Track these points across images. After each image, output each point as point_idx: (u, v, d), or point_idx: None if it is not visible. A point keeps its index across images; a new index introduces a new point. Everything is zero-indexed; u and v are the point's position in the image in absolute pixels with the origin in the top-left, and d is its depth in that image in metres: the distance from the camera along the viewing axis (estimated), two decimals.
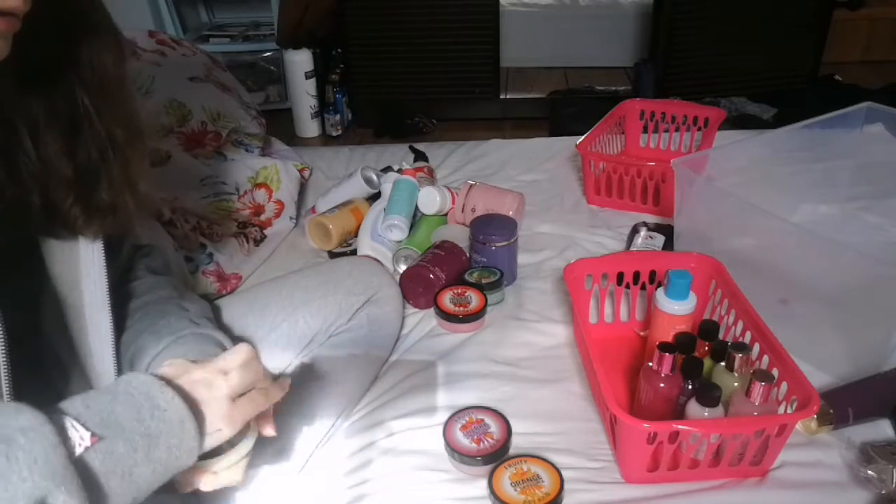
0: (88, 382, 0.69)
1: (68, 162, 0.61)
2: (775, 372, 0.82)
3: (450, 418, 0.87)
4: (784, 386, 0.81)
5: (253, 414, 0.59)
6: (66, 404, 0.50)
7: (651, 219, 1.35)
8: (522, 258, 1.24)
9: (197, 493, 0.75)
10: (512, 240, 1.18)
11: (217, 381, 0.57)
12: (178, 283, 0.81)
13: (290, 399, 0.86)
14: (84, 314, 0.66)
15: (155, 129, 1.31)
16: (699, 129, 1.56)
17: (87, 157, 0.62)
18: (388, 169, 1.48)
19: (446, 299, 1.10)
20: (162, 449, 0.51)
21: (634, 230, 1.29)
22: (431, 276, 1.13)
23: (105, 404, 0.50)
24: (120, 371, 0.69)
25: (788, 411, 0.79)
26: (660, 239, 1.24)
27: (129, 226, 0.73)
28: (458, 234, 1.25)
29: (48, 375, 0.67)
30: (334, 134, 2.26)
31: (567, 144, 1.66)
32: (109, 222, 0.66)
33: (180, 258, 1.16)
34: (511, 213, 1.29)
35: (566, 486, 0.77)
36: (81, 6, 0.59)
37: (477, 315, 1.08)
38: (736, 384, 0.82)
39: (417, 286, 1.14)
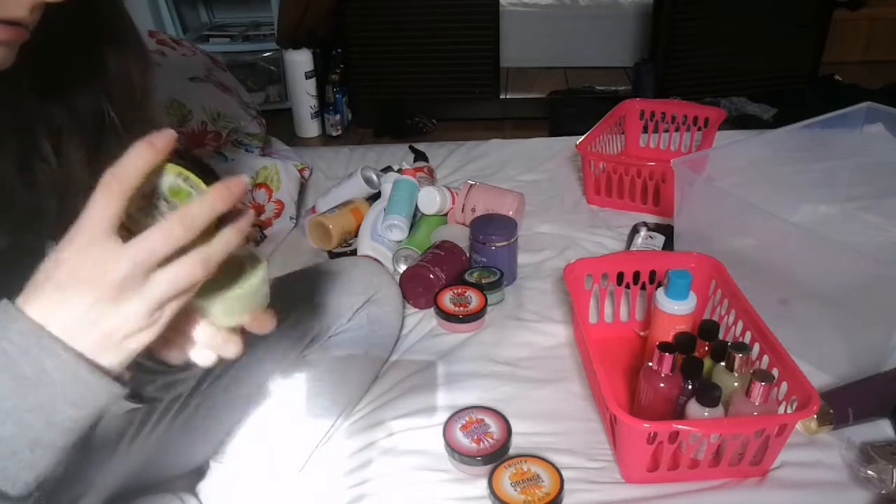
0: None
1: (91, 171, 0.60)
2: (775, 372, 0.82)
3: (450, 418, 0.87)
4: (784, 386, 0.81)
5: (171, 291, 0.44)
6: None
7: (651, 219, 1.35)
8: (522, 258, 1.24)
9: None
10: (512, 240, 1.18)
11: (109, 266, 0.42)
12: None
13: (289, 399, 0.87)
14: None
15: None
16: (699, 129, 1.56)
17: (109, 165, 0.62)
18: (388, 169, 1.48)
19: (446, 299, 1.10)
20: (65, 410, 0.43)
21: (634, 230, 1.29)
22: (431, 276, 1.13)
23: None
24: None
25: (788, 411, 0.79)
26: (660, 239, 1.24)
27: None
28: (458, 234, 1.25)
29: None
30: (334, 134, 2.26)
31: (567, 144, 1.66)
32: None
33: None
34: (511, 213, 1.29)
35: (566, 486, 0.77)
36: (106, 17, 0.59)
37: (477, 315, 1.08)
38: (736, 384, 0.82)
39: (417, 286, 1.14)
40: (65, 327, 0.43)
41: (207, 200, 0.44)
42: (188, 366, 0.54)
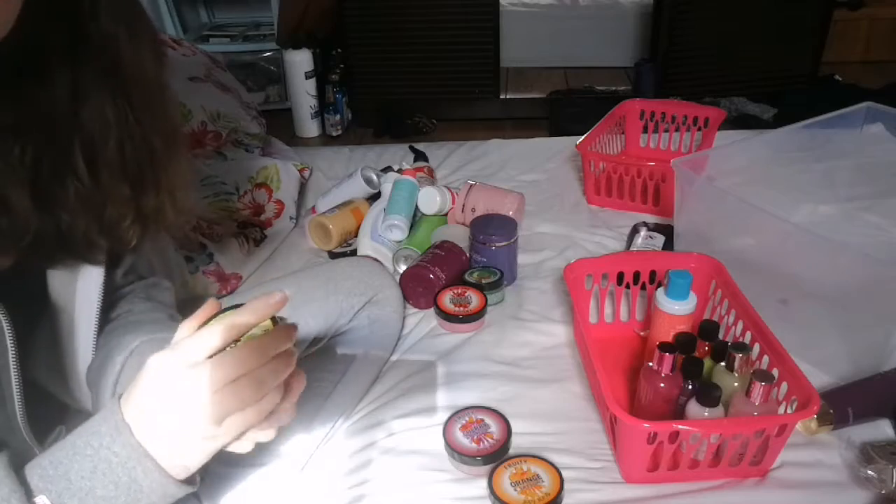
0: (74, 400, 0.68)
1: (123, 179, 0.58)
2: (775, 372, 0.82)
3: (450, 418, 0.87)
4: (784, 386, 0.81)
5: (240, 407, 0.51)
6: (42, 482, 0.49)
7: (651, 219, 1.35)
8: (522, 258, 1.24)
9: (197, 494, 0.75)
10: (512, 240, 1.18)
11: (192, 386, 0.49)
12: (175, 313, 0.77)
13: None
14: (74, 331, 0.64)
15: None
16: (699, 129, 1.56)
17: (135, 169, 0.59)
18: (388, 169, 1.48)
19: (446, 299, 1.10)
20: None
21: (634, 230, 1.29)
22: (431, 276, 1.13)
23: (84, 480, 0.49)
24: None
25: (788, 411, 0.79)
26: (660, 239, 1.24)
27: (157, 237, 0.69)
28: (458, 234, 1.25)
29: (42, 383, 0.67)
30: (334, 134, 2.26)
31: (567, 144, 1.66)
32: (153, 235, 0.64)
33: (180, 258, 1.16)
34: (511, 213, 1.29)
35: (566, 486, 0.77)
36: (118, 5, 0.56)
37: (477, 315, 1.08)
38: (736, 384, 0.82)
39: (417, 286, 1.14)
40: (155, 436, 0.50)
41: (277, 337, 0.54)
42: None
